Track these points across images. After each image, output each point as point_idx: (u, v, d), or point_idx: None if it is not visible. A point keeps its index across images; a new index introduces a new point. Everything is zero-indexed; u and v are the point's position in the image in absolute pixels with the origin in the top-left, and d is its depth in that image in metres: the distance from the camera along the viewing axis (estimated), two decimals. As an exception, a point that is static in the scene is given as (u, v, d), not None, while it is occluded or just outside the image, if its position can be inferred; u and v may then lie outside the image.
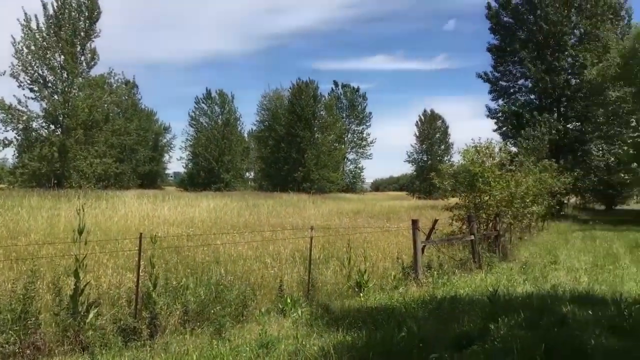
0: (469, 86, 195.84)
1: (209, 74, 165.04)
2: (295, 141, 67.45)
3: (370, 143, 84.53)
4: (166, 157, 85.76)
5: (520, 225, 19.08)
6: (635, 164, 26.67)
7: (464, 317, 7.24)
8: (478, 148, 17.50)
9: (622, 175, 30.30)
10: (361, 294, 9.18)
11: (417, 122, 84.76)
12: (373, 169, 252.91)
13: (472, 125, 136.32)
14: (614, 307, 7.43)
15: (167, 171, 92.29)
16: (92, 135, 40.38)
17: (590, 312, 7.44)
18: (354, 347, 5.97)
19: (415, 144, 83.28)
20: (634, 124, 27.81)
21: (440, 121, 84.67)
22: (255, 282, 8.83)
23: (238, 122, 77.64)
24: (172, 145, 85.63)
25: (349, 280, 9.75)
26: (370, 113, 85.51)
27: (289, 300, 8.11)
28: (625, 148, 27.82)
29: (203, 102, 75.85)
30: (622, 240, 19.85)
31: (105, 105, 42.07)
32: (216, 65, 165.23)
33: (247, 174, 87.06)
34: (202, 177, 70.18)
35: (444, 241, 13.45)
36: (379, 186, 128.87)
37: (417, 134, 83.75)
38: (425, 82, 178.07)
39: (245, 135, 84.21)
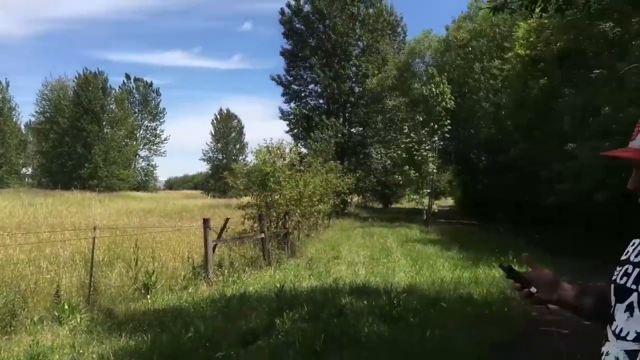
0: (264, 88, 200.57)
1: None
2: (81, 135, 63.16)
3: (164, 140, 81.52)
4: None
5: (308, 223, 20.06)
6: (407, 166, 29.85)
7: (252, 314, 7.39)
8: (270, 148, 18.08)
9: (397, 176, 33.60)
10: (148, 296, 8.84)
11: (212, 120, 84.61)
12: (167, 167, 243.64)
13: (266, 126, 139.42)
14: (386, 296, 8.14)
15: None
16: None
17: (365, 302, 8.12)
18: (138, 351, 5.75)
19: (211, 142, 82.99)
20: (406, 130, 31.16)
21: (235, 120, 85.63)
22: (27, 288, 7.96)
23: (13, 113, 69.84)
24: None
25: (136, 282, 9.34)
26: (164, 109, 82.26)
27: (66, 307, 7.48)
28: (399, 152, 31.05)
29: (-31, 88, 66.61)
30: (395, 235, 21.93)
31: None
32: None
33: (24, 169, 78.83)
34: (-34, 173, 61.85)
35: (236, 240, 13.61)
36: (173, 185, 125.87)
37: (213, 132, 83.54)
38: (221, 81, 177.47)
39: (22, 127, 76.10)
